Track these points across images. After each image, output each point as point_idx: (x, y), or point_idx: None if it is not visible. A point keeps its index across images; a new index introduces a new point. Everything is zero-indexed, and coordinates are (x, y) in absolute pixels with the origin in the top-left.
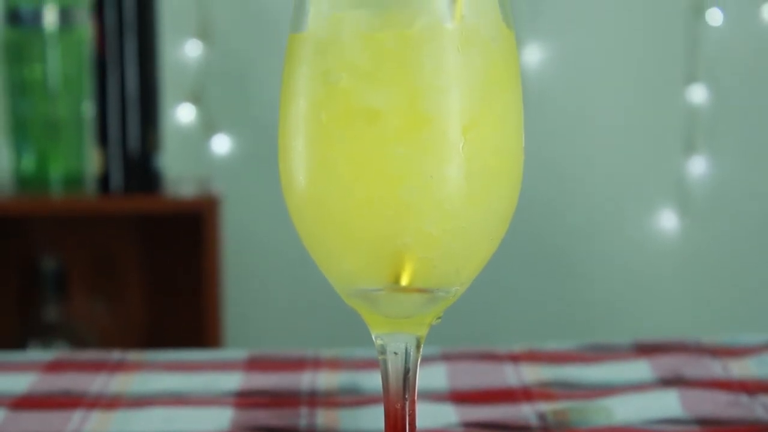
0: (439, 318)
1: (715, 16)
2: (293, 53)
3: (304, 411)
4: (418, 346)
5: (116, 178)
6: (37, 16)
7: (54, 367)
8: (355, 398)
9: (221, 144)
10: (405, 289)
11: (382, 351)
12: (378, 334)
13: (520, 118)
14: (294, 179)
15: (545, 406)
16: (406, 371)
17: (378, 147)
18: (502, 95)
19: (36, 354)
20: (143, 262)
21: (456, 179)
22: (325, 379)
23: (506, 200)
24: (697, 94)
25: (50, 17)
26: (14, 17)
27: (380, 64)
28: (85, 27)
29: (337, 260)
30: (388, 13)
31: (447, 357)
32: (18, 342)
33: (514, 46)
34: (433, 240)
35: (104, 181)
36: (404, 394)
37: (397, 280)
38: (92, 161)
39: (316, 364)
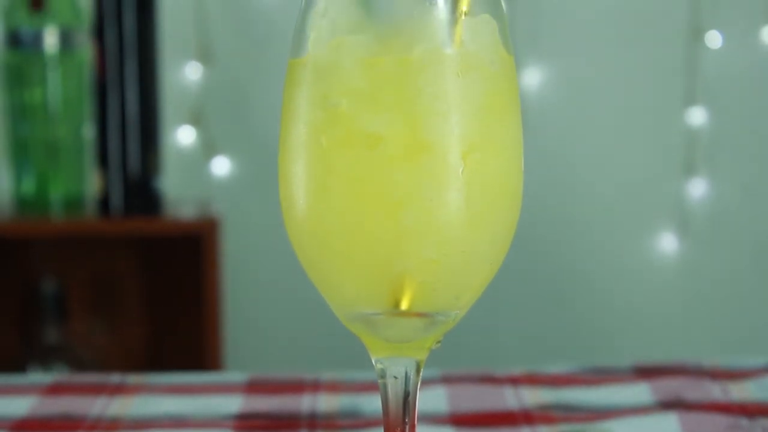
0: (439, 342)
1: (714, 39)
2: (293, 78)
3: None
4: (418, 370)
5: (116, 200)
6: (37, 39)
7: (54, 390)
8: (355, 421)
9: (221, 166)
10: (405, 314)
11: (382, 375)
12: (378, 358)
13: (519, 142)
14: (294, 203)
15: (545, 429)
16: (406, 395)
17: (378, 172)
18: (501, 120)
19: (36, 377)
20: (143, 284)
21: (456, 204)
22: (325, 402)
23: (506, 224)
24: (697, 116)
25: (50, 40)
26: (15, 40)
27: (380, 89)
28: (86, 50)
29: (337, 284)
30: (387, 39)
31: (447, 380)
32: (18, 364)
33: (513, 71)
34: (432, 264)
35: (104, 203)
36: (404, 417)
37: (396, 304)
38: (92, 183)
39: (316, 387)
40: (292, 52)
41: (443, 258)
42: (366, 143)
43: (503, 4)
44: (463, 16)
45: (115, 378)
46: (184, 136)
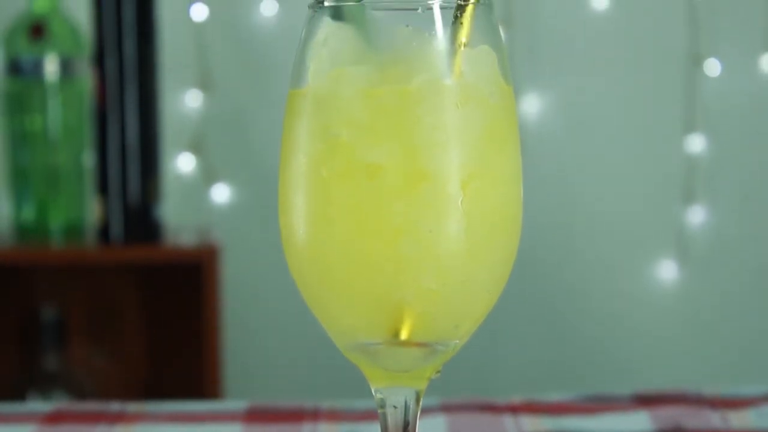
0: (439, 371)
1: (713, 67)
2: (293, 109)
3: None
4: (417, 400)
5: (116, 228)
6: (37, 67)
7: (53, 418)
8: None
9: (221, 193)
10: (404, 343)
11: (382, 405)
12: (377, 388)
13: (518, 172)
14: (294, 233)
15: None
16: (406, 424)
17: (378, 202)
18: (500, 151)
19: (36, 405)
20: (143, 312)
21: (455, 234)
22: (324, 431)
23: (505, 254)
24: (696, 143)
25: (51, 68)
26: (15, 68)
27: (380, 119)
28: (86, 77)
29: (336, 314)
30: (387, 70)
31: (447, 408)
32: (17, 391)
33: (512, 102)
34: (432, 294)
35: (104, 231)
36: None
37: (396, 334)
38: (92, 211)
39: (316, 415)
40: (292, 83)
41: (443, 288)
42: (366, 173)
43: (502, 34)
44: (462, 48)
45: (115, 406)
46: (184, 163)
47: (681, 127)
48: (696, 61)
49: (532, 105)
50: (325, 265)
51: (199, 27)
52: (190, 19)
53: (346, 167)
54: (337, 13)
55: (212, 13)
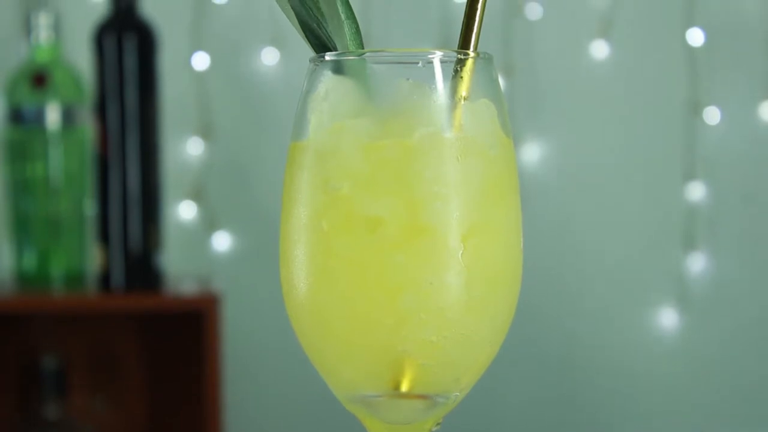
0: (439, 424)
1: (712, 115)
2: (295, 161)
3: None
4: None
5: (117, 276)
6: (39, 116)
7: None
8: None
9: (222, 241)
10: (405, 396)
11: None
12: None
13: (518, 225)
14: (295, 286)
15: None
16: None
17: (378, 255)
18: (500, 203)
19: None
20: (144, 360)
21: (455, 287)
22: None
23: (506, 306)
24: (696, 191)
25: (53, 116)
26: (17, 116)
27: (380, 172)
28: (88, 125)
29: (337, 367)
30: (388, 123)
31: None
32: None
33: (512, 154)
34: (433, 347)
35: (105, 279)
36: None
37: (397, 386)
38: (93, 259)
39: None
40: (293, 136)
41: (443, 340)
42: (366, 226)
43: (502, 84)
44: (462, 101)
45: None
46: (185, 211)
47: (681, 174)
48: (695, 109)
49: (532, 153)
50: (326, 317)
51: (201, 76)
52: (191, 68)
53: (347, 220)
54: (338, 67)
55: (213, 61)
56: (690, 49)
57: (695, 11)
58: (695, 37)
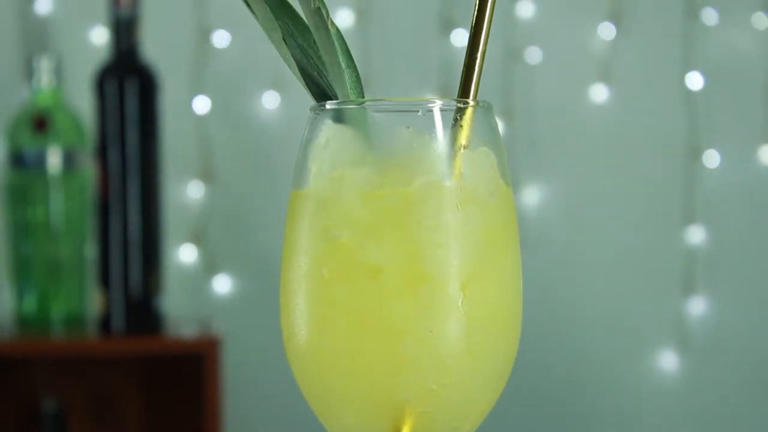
0: None
1: (712, 158)
2: (296, 210)
3: None
4: None
5: (117, 320)
6: (40, 159)
7: None
8: None
9: (222, 284)
10: None
11: None
12: None
13: (518, 271)
14: (295, 333)
15: None
16: None
17: (378, 302)
18: (500, 251)
19: None
20: (144, 404)
21: (455, 334)
22: None
23: (506, 353)
24: (696, 234)
25: (54, 160)
26: (18, 160)
27: (381, 221)
28: (88, 169)
29: (337, 413)
30: (388, 172)
31: None
32: None
33: (511, 202)
34: (433, 394)
35: (105, 323)
36: None
37: None
38: (94, 302)
39: None
40: (294, 185)
41: (443, 388)
42: (367, 274)
43: (501, 128)
44: (462, 150)
45: None
46: (185, 254)
47: (681, 218)
48: (695, 153)
49: (532, 197)
50: (326, 364)
51: (201, 119)
52: (192, 111)
53: (347, 268)
54: (338, 116)
55: (214, 105)
56: (689, 93)
57: (694, 55)
58: (694, 80)
